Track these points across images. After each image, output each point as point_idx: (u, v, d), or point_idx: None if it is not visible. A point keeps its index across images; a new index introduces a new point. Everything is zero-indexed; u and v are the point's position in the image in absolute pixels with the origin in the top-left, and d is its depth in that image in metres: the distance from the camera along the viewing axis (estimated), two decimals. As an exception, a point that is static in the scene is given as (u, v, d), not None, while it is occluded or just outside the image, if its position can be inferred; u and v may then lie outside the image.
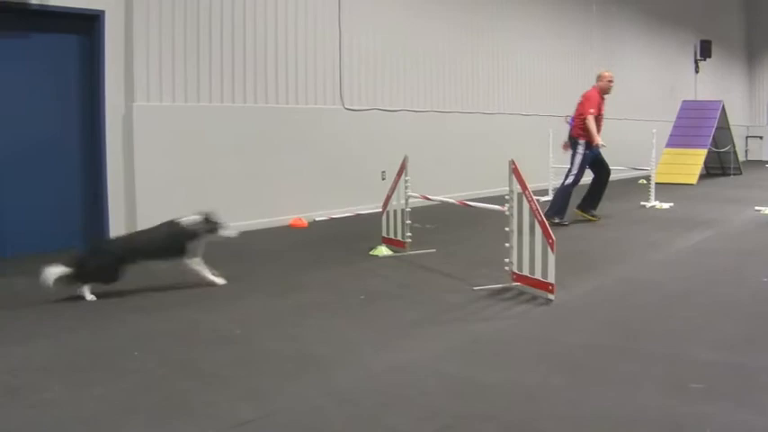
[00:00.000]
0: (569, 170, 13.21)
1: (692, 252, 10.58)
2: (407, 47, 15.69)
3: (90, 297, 7.52)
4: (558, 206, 13.12)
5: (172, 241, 8.08)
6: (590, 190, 13.97)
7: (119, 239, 8.57)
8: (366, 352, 5.86)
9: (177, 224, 8.17)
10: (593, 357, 5.74)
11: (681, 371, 5.39)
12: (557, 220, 12.73)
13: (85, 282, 7.58)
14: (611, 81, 13.49)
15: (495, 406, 4.75)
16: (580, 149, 13.14)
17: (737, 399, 4.81)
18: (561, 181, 13.30)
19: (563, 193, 13.18)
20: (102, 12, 10.50)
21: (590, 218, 13.71)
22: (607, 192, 13.88)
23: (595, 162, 13.61)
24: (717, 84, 32.50)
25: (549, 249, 7.15)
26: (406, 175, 10.01)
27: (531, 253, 7.47)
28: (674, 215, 14.47)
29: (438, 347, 5.94)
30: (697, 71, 31.00)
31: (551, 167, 16.76)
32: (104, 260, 7.72)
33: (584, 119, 13.03)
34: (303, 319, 6.85)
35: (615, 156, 19.21)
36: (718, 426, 4.39)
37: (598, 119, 13.22)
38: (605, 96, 13.50)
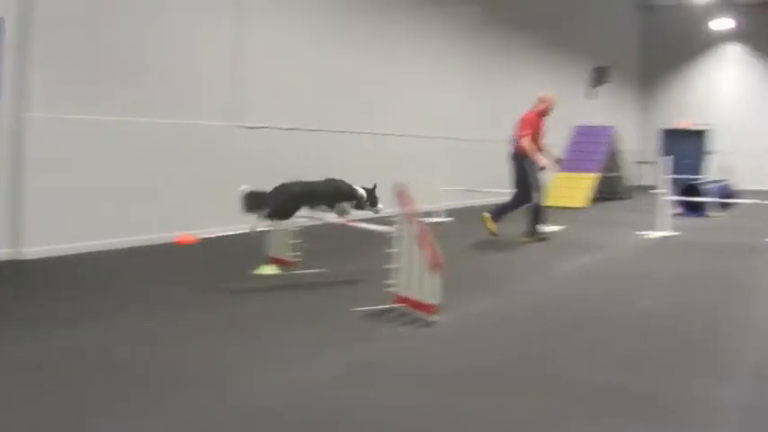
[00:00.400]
0: (527, 191, 13.74)
1: (579, 274, 10.78)
2: (307, 67, 15.66)
3: None
4: (535, 223, 13.94)
5: (335, 194, 9.77)
6: (504, 204, 14.26)
7: (296, 184, 9.58)
8: (247, 374, 5.76)
9: (345, 183, 9.95)
10: (474, 380, 5.76)
11: (567, 392, 5.46)
12: (539, 235, 13.91)
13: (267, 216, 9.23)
14: (552, 104, 14.41)
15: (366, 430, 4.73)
16: (527, 167, 13.66)
17: (621, 419, 4.88)
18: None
19: (535, 211, 13.79)
20: (2, 19, 10.29)
21: (490, 228, 13.97)
22: None
23: (525, 182, 13.87)
24: (609, 109, 33.10)
25: (433, 271, 7.15)
26: (296, 195, 9.97)
27: (415, 275, 7.45)
28: (562, 238, 14.68)
29: (318, 369, 5.89)
30: (592, 96, 31.55)
31: (443, 189, 16.87)
32: (281, 200, 9.28)
33: (522, 140, 13.70)
34: (182, 339, 6.73)
35: (505, 179, 19.45)
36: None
37: (536, 140, 13.76)
38: (545, 118, 14.28)
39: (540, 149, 13.91)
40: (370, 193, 10.03)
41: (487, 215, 14.05)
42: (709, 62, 40.11)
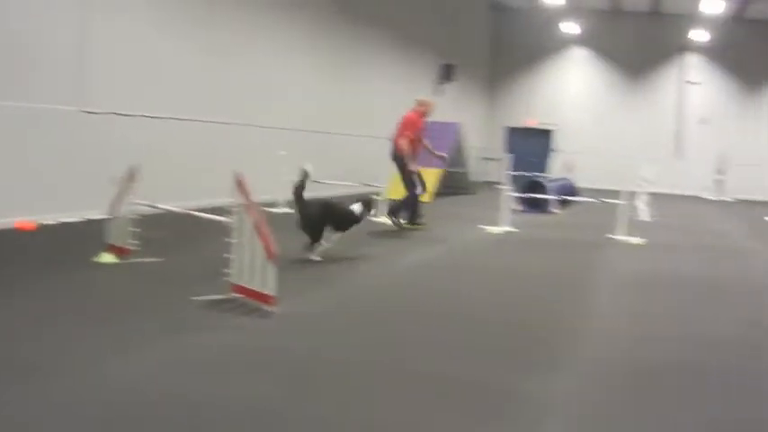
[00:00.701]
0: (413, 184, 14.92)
1: (419, 267, 10.97)
2: (155, 53, 15.43)
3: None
4: (411, 211, 15.32)
5: (349, 220, 11.24)
6: (399, 201, 15.56)
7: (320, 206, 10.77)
8: (81, 364, 5.66)
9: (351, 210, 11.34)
10: (310, 371, 5.82)
11: (398, 382, 5.59)
12: (402, 221, 15.16)
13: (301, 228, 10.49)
14: (431, 107, 15.76)
15: (205, 421, 4.75)
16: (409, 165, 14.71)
17: (453, 411, 5.01)
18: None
19: (413, 201, 15.20)
20: None
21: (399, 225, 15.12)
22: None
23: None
24: (457, 105, 33.57)
25: (270, 262, 7.19)
26: (135, 182, 9.86)
27: (252, 265, 7.49)
28: (403, 231, 14.84)
29: (154, 359, 5.85)
30: (438, 93, 31.93)
31: (284, 180, 16.89)
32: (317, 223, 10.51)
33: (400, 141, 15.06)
34: (9, 329, 6.55)
35: (351, 172, 19.56)
36: None
37: (418, 140, 14.96)
38: (424, 120, 15.29)
39: (421, 148, 15.57)
40: (367, 202, 11.72)
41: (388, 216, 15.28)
42: (556, 64, 41.33)
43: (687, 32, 38.72)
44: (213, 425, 4.68)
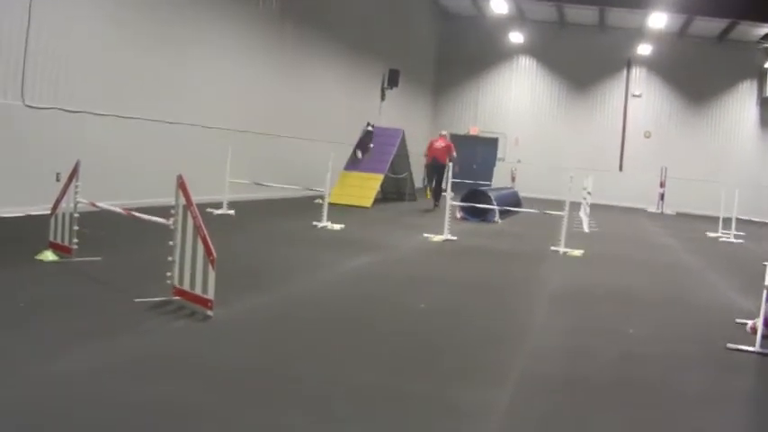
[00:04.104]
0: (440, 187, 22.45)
1: (357, 275, 10.99)
2: (98, 49, 15.28)
3: None
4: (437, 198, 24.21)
5: None
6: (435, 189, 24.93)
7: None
8: (17, 364, 5.63)
9: None
10: (247, 377, 5.84)
11: (330, 393, 5.62)
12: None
13: None
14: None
15: (124, 425, 4.76)
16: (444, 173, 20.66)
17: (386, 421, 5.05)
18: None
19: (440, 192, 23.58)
20: None
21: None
22: (280, 210, 14.49)
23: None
24: (401, 112, 33.68)
25: (210, 266, 7.19)
26: (77, 180, 9.79)
27: (192, 268, 7.47)
28: (344, 237, 14.91)
29: (92, 361, 5.83)
30: (383, 99, 32.02)
31: (228, 181, 16.86)
32: None
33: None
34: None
35: (295, 176, 19.57)
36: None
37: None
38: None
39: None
40: None
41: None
42: (502, 73, 41.56)
43: (632, 46, 39.15)
44: (133, 429, 4.68)
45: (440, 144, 24.47)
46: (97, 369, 5.66)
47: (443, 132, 25.92)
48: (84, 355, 5.95)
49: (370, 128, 24.69)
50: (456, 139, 37.07)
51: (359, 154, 23.96)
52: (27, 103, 13.72)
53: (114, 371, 5.68)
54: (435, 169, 24.46)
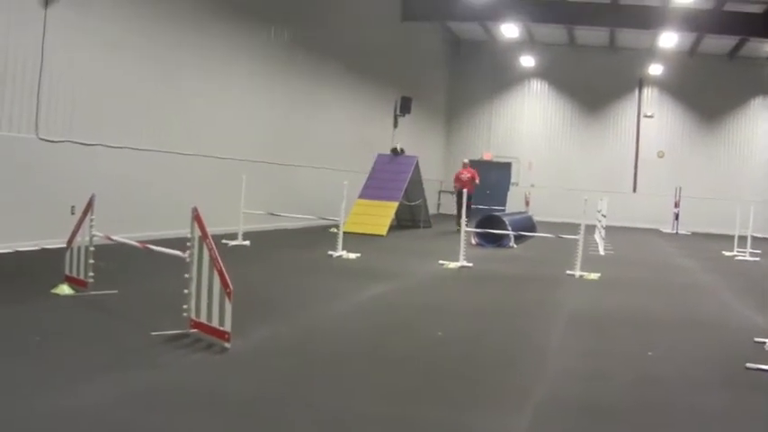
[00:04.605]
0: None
1: (373, 304, 10.94)
2: (111, 82, 15.38)
3: None
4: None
5: None
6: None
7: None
8: (36, 395, 5.62)
9: None
10: (263, 409, 5.82)
11: (346, 422, 5.59)
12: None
13: None
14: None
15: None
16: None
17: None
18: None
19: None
20: None
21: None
22: (296, 240, 14.41)
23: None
24: (414, 139, 33.72)
25: (227, 298, 7.18)
26: (92, 213, 9.81)
27: (209, 300, 7.47)
28: (360, 266, 14.90)
29: (111, 394, 5.81)
30: (396, 126, 32.06)
31: (243, 212, 16.86)
32: None
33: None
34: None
35: (309, 205, 19.60)
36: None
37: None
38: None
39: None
40: None
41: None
42: (514, 97, 41.60)
43: (643, 66, 39.20)
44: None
45: (465, 176, 26.50)
46: (113, 402, 5.65)
47: (466, 161, 28.28)
48: (101, 388, 5.94)
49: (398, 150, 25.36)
50: (470, 164, 37.13)
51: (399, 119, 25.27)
52: (41, 136, 13.79)
53: (130, 404, 5.67)
54: (461, 196, 24.89)
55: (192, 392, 6.09)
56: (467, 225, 16.61)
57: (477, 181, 27.08)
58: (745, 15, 29.94)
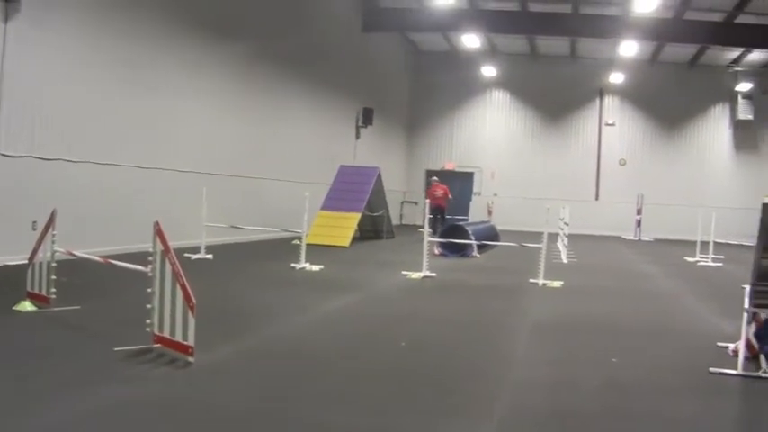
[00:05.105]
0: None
1: (337, 315, 10.93)
2: (71, 97, 15.25)
3: None
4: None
5: None
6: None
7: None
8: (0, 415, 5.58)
9: None
10: (228, 424, 5.80)
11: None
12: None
13: None
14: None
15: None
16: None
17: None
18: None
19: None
20: None
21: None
22: (259, 252, 14.61)
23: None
24: (376, 150, 33.79)
25: (190, 312, 7.15)
26: (53, 229, 9.75)
27: (172, 314, 7.44)
28: (323, 277, 14.89)
29: (75, 411, 5.78)
30: (358, 137, 32.08)
31: (205, 225, 16.77)
32: None
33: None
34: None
35: (272, 217, 19.55)
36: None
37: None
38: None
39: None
40: None
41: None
42: (476, 107, 41.71)
43: (604, 75, 39.53)
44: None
45: (439, 192, 28.47)
46: (77, 419, 5.62)
47: (435, 179, 30.66)
48: (65, 405, 5.91)
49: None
50: (432, 174, 37.21)
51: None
52: (2, 152, 13.68)
53: (94, 420, 5.64)
54: (437, 212, 27.61)
55: (156, 408, 6.07)
56: (431, 236, 16.64)
57: (450, 196, 29.09)
58: (705, 24, 30.29)
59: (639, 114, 40.69)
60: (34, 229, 13.41)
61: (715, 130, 40.22)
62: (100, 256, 9.80)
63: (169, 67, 18.58)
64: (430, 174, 39.22)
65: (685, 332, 10.77)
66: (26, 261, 10.03)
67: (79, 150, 15.52)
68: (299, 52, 25.77)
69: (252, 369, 7.54)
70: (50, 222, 9.77)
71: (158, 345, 7.66)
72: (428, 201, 17.32)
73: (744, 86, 38.68)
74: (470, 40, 34.93)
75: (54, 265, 9.72)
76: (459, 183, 40.05)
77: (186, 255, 15.80)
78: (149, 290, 7.73)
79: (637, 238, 35.82)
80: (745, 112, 38.88)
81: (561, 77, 40.10)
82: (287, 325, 9.97)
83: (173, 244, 7.55)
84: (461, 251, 20.72)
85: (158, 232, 7.62)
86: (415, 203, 38.75)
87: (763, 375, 7.86)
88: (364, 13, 31.90)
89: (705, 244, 23.14)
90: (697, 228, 23.63)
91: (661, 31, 30.96)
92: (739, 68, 38.37)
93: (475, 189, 41.17)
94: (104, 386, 6.50)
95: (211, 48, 20.45)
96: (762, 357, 8.29)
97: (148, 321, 7.76)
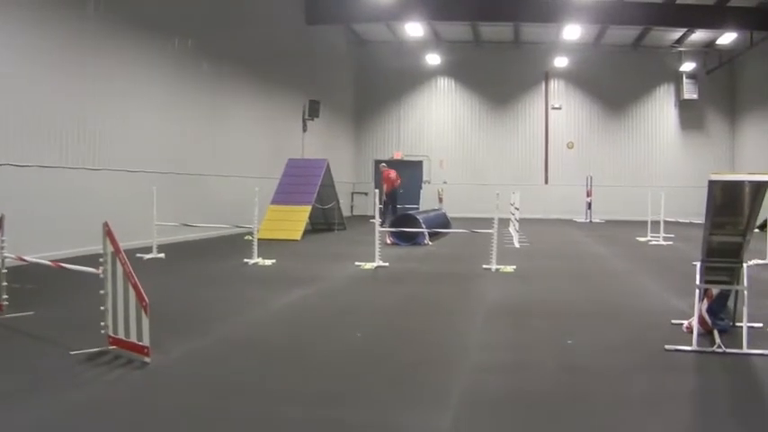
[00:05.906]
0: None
1: (291, 309, 10.91)
2: (13, 97, 15.06)
3: None
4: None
5: None
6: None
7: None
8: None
9: None
10: (187, 422, 5.80)
11: (269, 430, 5.58)
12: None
13: None
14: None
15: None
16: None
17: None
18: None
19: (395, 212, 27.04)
20: None
21: None
22: (211, 249, 14.65)
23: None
24: (324, 142, 33.78)
25: (143, 312, 7.12)
26: (2, 234, 9.66)
27: (125, 315, 7.40)
28: (276, 272, 14.87)
29: (33, 417, 5.75)
30: (305, 130, 32.03)
31: (156, 224, 16.66)
32: None
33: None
34: None
35: (223, 214, 19.47)
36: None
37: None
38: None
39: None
40: None
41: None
42: (422, 95, 41.77)
43: (549, 60, 39.83)
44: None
45: (392, 174, 31.20)
46: (35, 426, 5.60)
47: (384, 165, 32.77)
48: (22, 413, 5.87)
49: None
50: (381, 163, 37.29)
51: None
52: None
53: (52, 426, 5.62)
54: (390, 199, 30.66)
55: (114, 409, 6.05)
56: (382, 225, 16.65)
57: (400, 181, 32.02)
58: (648, 5, 30.61)
59: (585, 97, 41.05)
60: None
61: (661, 110, 40.71)
62: (51, 261, 9.71)
63: (113, 66, 18.40)
64: (379, 163, 39.30)
65: (639, 311, 10.87)
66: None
67: (25, 154, 15.33)
68: (243, 47, 25.68)
69: (208, 367, 7.52)
70: (-1, 227, 9.69)
71: (114, 346, 7.63)
72: (384, 186, 17.51)
73: (688, 66, 39.29)
74: (414, 29, 35.06)
75: (5, 271, 9.65)
76: (409, 171, 40.14)
77: (138, 255, 15.73)
78: (102, 292, 7.69)
79: (588, 221, 36.18)
80: (689, 92, 39.48)
81: (506, 63, 40.38)
82: (240, 321, 9.94)
83: (124, 245, 7.52)
84: (413, 240, 20.76)
85: (108, 233, 7.57)
86: (366, 194, 38.82)
87: (717, 350, 7.97)
88: (308, 6, 31.83)
89: (655, 223, 23.41)
90: (647, 208, 23.85)
91: (604, 14, 31.19)
92: (683, 48, 38.91)
93: (424, 177, 41.30)
94: (61, 391, 6.47)
95: (155, 46, 20.32)
96: (715, 333, 8.42)
97: (103, 323, 7.73)
